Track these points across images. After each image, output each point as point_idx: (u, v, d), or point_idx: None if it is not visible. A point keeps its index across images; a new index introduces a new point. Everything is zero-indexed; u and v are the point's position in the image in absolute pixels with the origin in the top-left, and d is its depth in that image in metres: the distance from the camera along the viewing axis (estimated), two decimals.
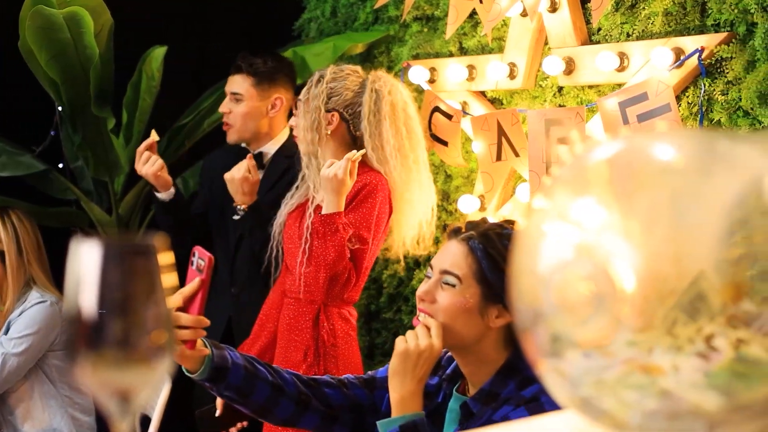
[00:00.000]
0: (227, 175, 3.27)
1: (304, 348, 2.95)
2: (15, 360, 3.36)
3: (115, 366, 0.84)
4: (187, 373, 1.97)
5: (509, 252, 2.02)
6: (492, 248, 2.02)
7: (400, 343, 2.02)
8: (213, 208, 3.59)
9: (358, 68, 3.13)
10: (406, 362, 1.99)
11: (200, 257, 1.81)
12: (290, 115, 3.51)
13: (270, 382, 2.05)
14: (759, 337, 0.78)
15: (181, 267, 3.26)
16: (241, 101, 3.49)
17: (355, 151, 2.84)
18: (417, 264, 3.70)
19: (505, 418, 1.91)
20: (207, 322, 1.87)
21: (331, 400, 2.13)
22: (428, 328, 2.01)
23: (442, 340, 2.00)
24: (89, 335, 0.83)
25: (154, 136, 3.42)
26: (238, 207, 3.31)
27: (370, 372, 2.24)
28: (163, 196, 3.45)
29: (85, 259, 0.84)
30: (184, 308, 1.85)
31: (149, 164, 3.37)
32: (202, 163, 3.87)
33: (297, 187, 3.16)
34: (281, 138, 3.57)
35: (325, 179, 2.81)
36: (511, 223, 2.15)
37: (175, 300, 1.85)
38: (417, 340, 1.99)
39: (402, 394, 1.99)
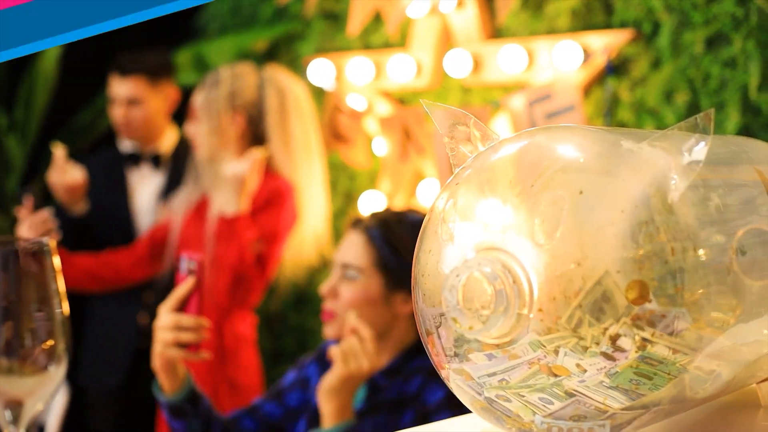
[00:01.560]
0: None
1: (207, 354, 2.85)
2: None
3: (5, 374, 0.82)
4: (161, 397, 1.87)
5: (409, 237, 2.01)
6: (391, 234, 1.99)
7: (340, 364, 1.84)
8: (109, 225, 3.21)
9: (252, 66, 3.07)
10: (347, 383, 1.84)
11: (189, 259, 1.80)
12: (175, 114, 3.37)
13: (221, 421, 1.99)
14: (664, 336, 0.78)
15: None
16: (138, 105, 3.21)
17: (259, 151, 2.80)
18: (323, 266, 3.67)
19: (422, 389, 1.88)
20: (208, 324, 1.80)
21: None
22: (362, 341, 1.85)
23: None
24: None
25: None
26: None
27: (277, 383, 2.16)
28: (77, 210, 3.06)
29: None
30: (181, 311, 1.80)
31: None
32: None
33: (188, 188, 2.98)
34: (168, 136, 3.33)
35: (227, 179, 2.75)
36: (415, 211, 2.11)
37: (170, 303, 1.80)
38: (358, 363, 1.82)
39: (337, 405, 1.86)
